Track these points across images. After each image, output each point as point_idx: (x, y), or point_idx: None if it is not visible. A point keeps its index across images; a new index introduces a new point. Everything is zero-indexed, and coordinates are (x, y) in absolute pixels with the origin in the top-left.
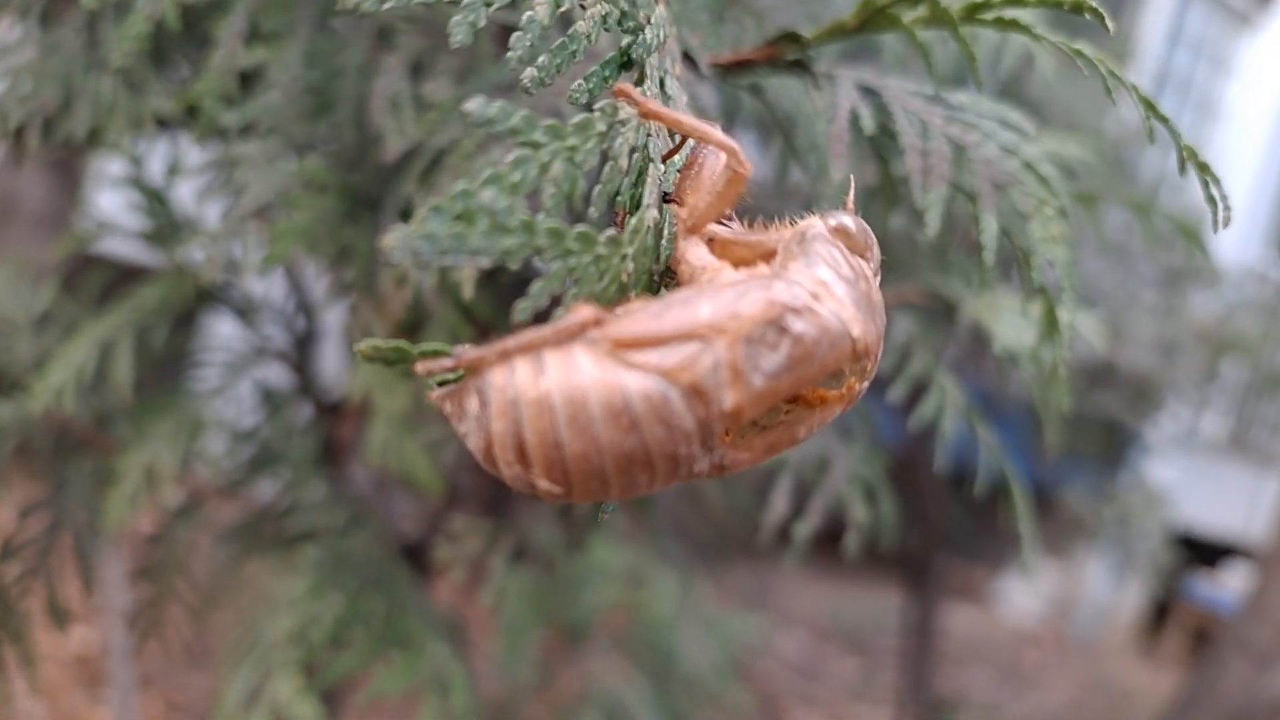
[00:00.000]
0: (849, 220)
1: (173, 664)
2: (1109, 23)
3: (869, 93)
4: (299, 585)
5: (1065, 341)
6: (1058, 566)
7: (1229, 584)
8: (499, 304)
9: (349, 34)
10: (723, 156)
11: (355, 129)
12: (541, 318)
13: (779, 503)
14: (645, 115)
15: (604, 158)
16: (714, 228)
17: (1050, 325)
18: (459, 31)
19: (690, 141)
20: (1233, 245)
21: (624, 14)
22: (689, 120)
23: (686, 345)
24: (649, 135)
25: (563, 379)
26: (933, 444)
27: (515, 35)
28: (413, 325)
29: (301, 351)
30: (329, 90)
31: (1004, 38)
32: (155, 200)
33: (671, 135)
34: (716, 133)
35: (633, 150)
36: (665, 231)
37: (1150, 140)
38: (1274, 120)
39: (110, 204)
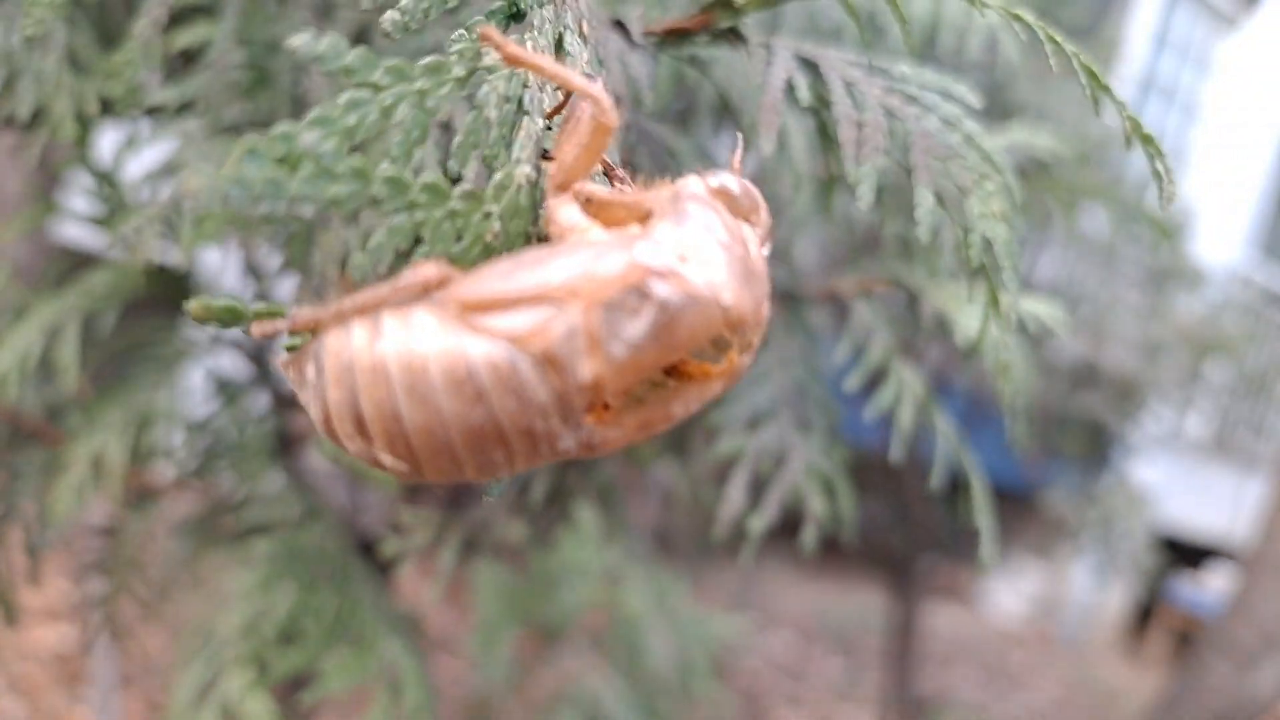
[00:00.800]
0: (731, 181)
1: (153, 662)
2: None
3: (807, 64)
4: (250, 578)
5: (1008, 325)
6: (1042, 567)
7: (1211, 586)
8: None
9: (288, 7)
10: (589, 107)
11: (293, 104)
12: None
13: (735, 495)
14: (508, 60)
15: (472, 108)
16: (591, 187)
17: (993, 308)
18: None
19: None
20: (1217, 246)
21: None
22: (553, 66)
23: (537, 309)
24: (525, 87)
25: (401, 344)
26: (920, 445)
27: None
28: None
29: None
30: (266, 65)
31: (969, 17)
32: (105, 183)
33: (564, 93)
34: (579, 80)
35: (505, 100)
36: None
37: (1127, 142)
38: (1259, 122)
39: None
